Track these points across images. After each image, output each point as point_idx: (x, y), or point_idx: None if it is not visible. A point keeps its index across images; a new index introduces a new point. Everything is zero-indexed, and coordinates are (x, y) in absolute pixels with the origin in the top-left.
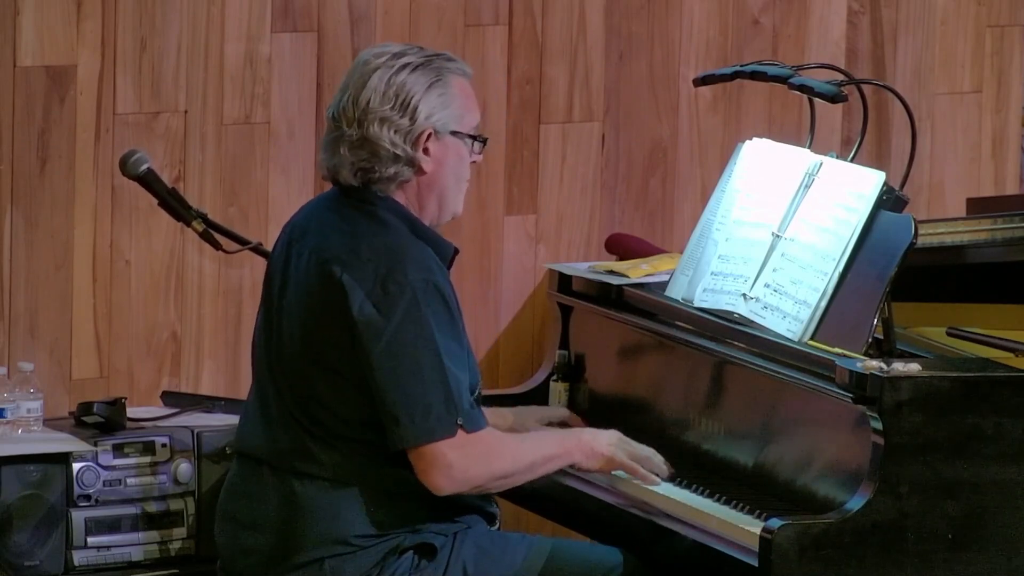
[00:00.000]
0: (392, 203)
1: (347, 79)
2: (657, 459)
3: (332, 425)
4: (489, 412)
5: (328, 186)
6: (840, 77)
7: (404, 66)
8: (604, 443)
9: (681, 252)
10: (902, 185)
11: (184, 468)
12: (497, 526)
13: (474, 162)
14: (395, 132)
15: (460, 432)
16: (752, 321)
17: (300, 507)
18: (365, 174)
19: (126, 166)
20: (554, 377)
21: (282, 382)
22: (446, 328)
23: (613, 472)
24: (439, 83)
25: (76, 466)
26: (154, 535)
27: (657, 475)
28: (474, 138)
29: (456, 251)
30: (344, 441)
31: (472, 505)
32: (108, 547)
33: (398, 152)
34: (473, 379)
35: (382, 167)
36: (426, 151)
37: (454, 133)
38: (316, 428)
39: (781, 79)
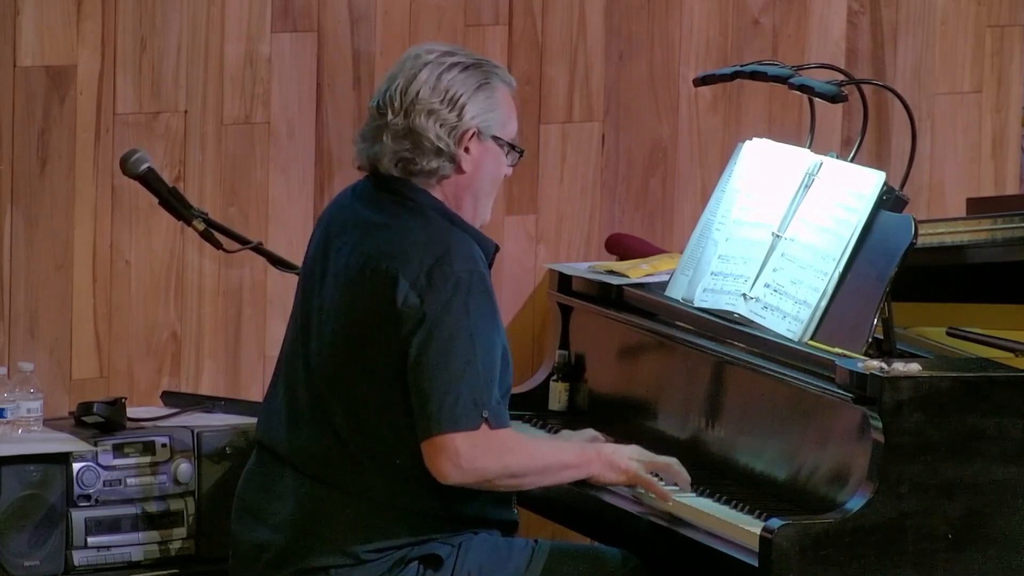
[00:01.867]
0: (431, 198)
1: (394, 71)
2: (678, 467)
3: (358, 434)
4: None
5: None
6: (840, 77)
7: (454, 64)
8: (625, 457)
9: (681, 252)
10: (902, 185)
11: (184, 468)
12: (514, 534)
13: (506, 175)
14: (441, 126)
15: (483, 426)
16: (752, 321)
17: (316, 513)
18: (406, 164)
19: (126, 165)
20: (554, 377)
21: (318, 381)
22: (487, 320)
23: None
24: (487, 86)
25: (76, 466)
26: (154, 535)
27: (678, 485)
28: (512, 147)
29: (497, 248)
30: (366, 453)
31: (488, 518)
32: (108, 547)
33: (441, 146)
34: (506, 381)
35: (424, 159)
36: (467, 150)
37: (495, 138)
38: (345, 434)
39: (781, 79)
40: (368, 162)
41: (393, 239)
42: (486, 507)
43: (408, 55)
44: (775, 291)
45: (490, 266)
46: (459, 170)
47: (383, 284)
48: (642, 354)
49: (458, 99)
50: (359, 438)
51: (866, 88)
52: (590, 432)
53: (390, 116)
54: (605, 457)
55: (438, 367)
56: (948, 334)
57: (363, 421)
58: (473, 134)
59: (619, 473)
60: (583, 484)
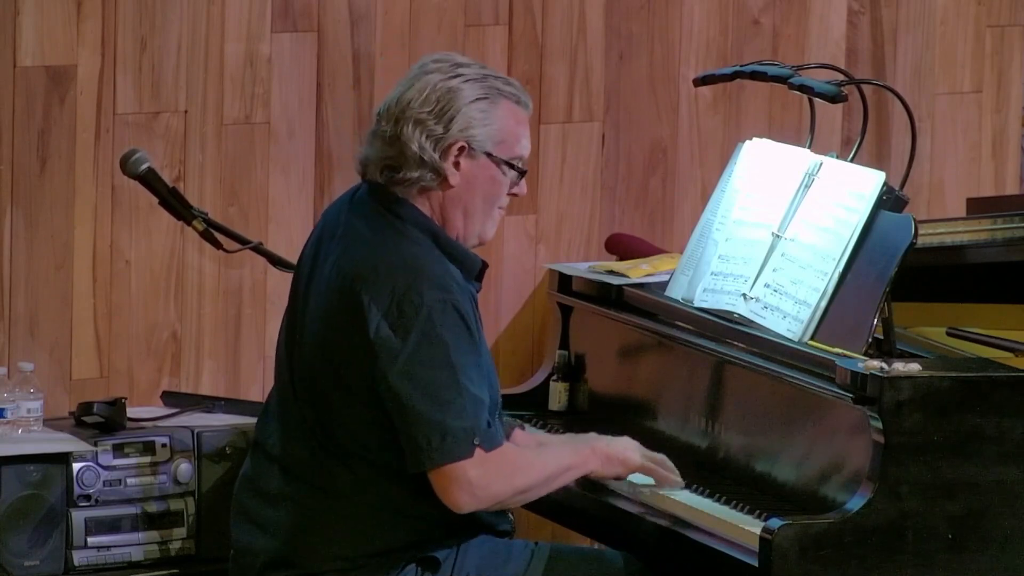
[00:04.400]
0: (418, 213)
1: (404, 78)
2: (669, 465)
3: (347, 443)
4: (545, 439)
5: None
6: (840, 77)
7: (458, 75)
8: (620, 448)
9: (681, 252)
10: (902, 185)
11: (184, 468)
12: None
13: (514, 194)
14: (426, 137)
15: (478, 451)
16: (752, 321)
17: (310, 519)
18: (390, 172)
19: (126, 165)
20: (554, 377)
21: (301, 391)
22: (463, 347)
23: (629, 478)
24: (486, 100)
25: (76, 466)
26: (154, 535)
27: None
28: (511, 166)
29: (485, 265)
30: (358, 460)
31: (484, 523)
32: (108, 547)
33: (424, 157)
34: (493, 395)
35: (407, 169)
36: (456, 164)
37: (489, 154)
38: (331, 443)
39: (781, 79)
40: (361, 167)
41: (368, 260)
42: (481, 512)
43: (420, 63)
44: (775, 291)
45: (479, 280)
46: (445, 184)
47: (354, 310)
48: (642, 354)
49: (448, 110)
50: (348, 446)
51: (866, 88)
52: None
53: (383, 123)
54: (600, 451)
55: (422, 402)
56: (948, 334)
57: (350, 431)
58: (462, 148)
59: (617, 465)
60: (583, 486)
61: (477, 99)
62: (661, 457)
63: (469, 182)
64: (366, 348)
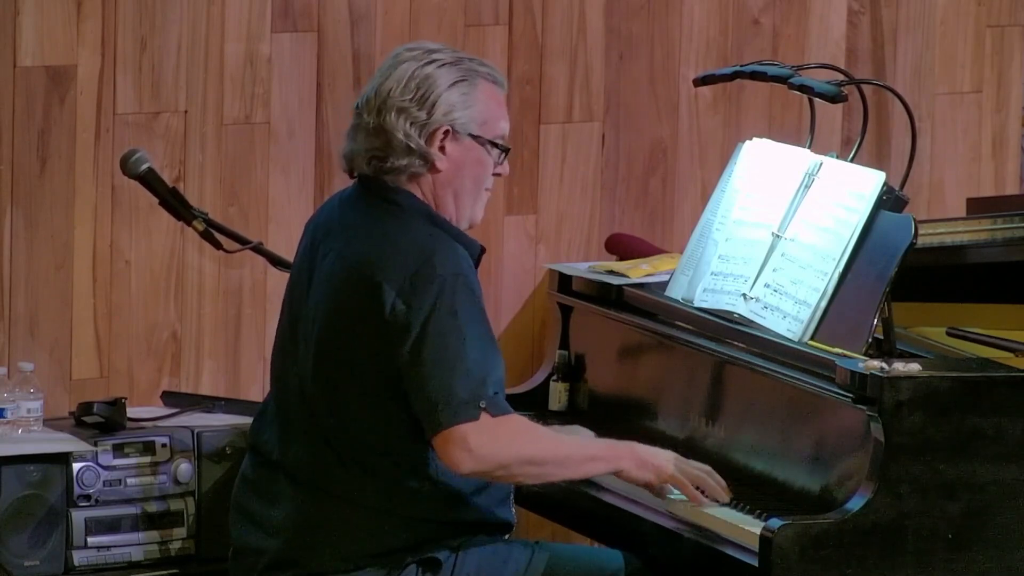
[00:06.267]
0: (413, 199)
1: (377, 71)
2: (715, 478)
3: (351, 443)
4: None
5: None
6: (840, 77)
7: (432, 61)
8: (661, 457)
9: (681, 252)
10: (902, 185)
11: (184, 468)
12: (509, 535)
13: (498, 173)
14: (410, 124)
15: (484, 415)
16: (752, 321)
17: (312, 520)
18: (378, 163)
19: (126, 165)
20: (554, 377)
21: (307, 388)
22: (474, 320)
23: (666, 492)
24: (464, 83)
25: (76, 466)
26: (154, 535)
27: (714, 497)
28: (495, 145)
29: (483, 249)
30: (359, 461)
31: (484, 521)
32: (108, 547)
33: (411, 144)
34: (502, 374)
35: (395, 158)
36: (442, 149)
37: (474, 136)
38: (335, 444)
39: (781, 79)
40: (347, 162)
41: (376, 245)
42: (482, 509)
43: (392, 53)
44: (775, 291)
45: (476, 266)
46: (433, 169)
47: (369, 293)
48: (642, 354)
49: (428, 96)
50: (350, 446)
51: (866, 88)
52: (581, 428)
53: (364, 115)
54: (638, 455)
55: (431, 368)
56: (948, 334)
57: (353, 429)
58: (446, 132)
59: (652, 472)
60: (585, 483)
61: (456, 82)
62: (702, 472)
63: (456, 165)
64: (381, 326)
